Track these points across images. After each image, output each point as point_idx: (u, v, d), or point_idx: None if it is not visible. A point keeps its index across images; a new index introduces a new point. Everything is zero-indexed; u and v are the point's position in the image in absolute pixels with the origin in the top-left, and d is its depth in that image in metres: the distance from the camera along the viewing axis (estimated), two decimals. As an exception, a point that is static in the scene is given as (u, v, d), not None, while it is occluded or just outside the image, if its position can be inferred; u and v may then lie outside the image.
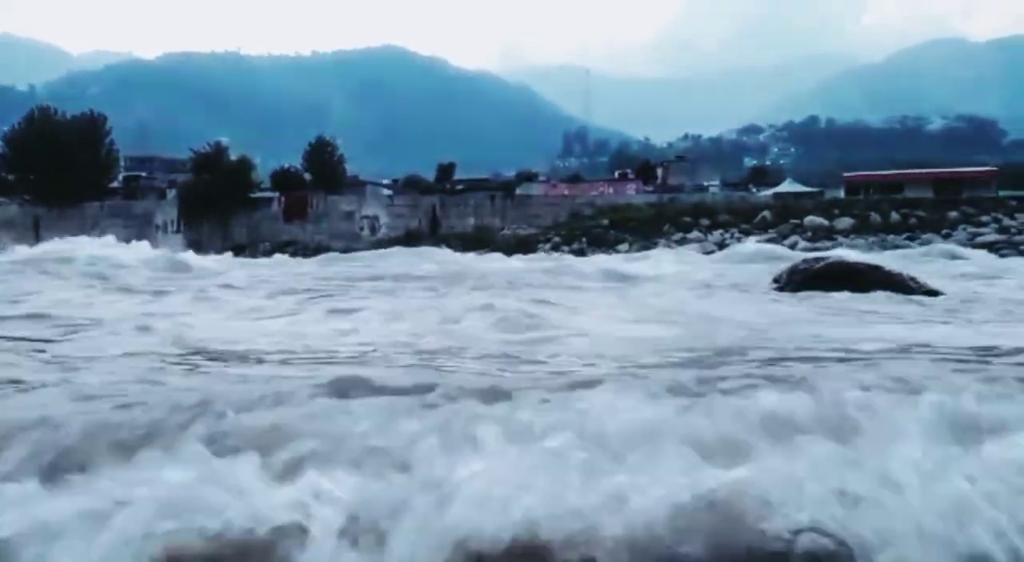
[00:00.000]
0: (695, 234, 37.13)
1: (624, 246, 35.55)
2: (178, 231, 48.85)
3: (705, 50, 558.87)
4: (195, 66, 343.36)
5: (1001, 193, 43.43)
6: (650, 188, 53.69)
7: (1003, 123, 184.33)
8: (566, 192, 53.10)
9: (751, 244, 27.20)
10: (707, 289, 11.59)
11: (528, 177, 61.78)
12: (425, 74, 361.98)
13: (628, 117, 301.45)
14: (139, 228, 44.76)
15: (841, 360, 4.33)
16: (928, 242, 30.77)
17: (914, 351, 4.64)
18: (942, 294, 9.60)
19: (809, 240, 33.88)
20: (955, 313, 7.76)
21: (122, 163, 60.24)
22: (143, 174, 61.21)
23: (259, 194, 52.55)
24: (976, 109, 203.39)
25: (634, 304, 9.09)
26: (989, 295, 9.89)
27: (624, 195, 50.52)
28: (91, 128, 54.73)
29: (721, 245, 33.81)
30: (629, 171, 62.24)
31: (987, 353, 4.43)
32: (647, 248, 31.18)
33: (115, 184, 57.60)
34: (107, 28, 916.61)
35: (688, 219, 39.24)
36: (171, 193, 54.23)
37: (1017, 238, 32.58)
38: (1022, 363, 4.16)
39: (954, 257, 19.12)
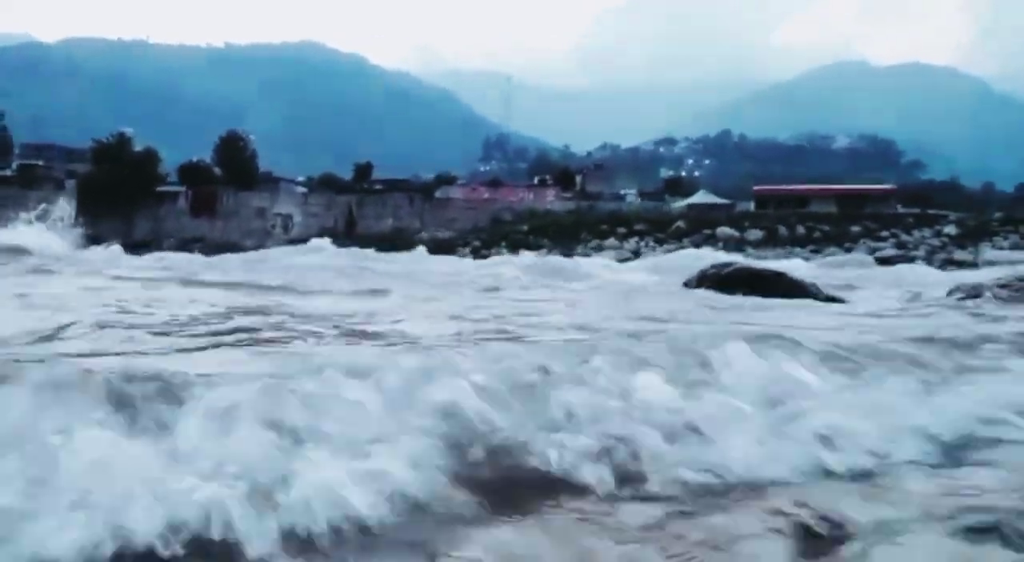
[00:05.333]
0: (611, 241, 37.59)
1: (544, 252, 35.61)
2: (76, 224, 46.32)
3: (624, 64, 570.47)
4: (99, 52, 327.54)
5: (899, 209, 45.74)
6: (569, 195, 54.06)
7: (900, 143, 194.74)
8: (486, 196, 52.92)
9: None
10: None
11: (447, 180, 61.23)
12: (344, 71, 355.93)
13: (547, 126, 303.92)
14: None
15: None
16: (832, 255, 32.06)
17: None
18: (845, 302, 9.79)
19: (721, 250, 34.71)
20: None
21: (16, 150, 56.80)
22: (39, 163, 57.69)
23: (166, 188, 50.46)
24: (876, 129, 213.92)
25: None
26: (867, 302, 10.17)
27: (543, 201, 50.72)
28: (-19, 112, 51.50)
29: (636, 253, 34.34)
30: (548, 178, 62.49)
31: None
32: (566, 254, 31.30)
33: (8, 172, 54.19)
34: (2, 7, 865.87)
35: (605, 227, 39.73)
36: (70, 184, 51.30)
37: (913, 253, 34.25)
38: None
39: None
